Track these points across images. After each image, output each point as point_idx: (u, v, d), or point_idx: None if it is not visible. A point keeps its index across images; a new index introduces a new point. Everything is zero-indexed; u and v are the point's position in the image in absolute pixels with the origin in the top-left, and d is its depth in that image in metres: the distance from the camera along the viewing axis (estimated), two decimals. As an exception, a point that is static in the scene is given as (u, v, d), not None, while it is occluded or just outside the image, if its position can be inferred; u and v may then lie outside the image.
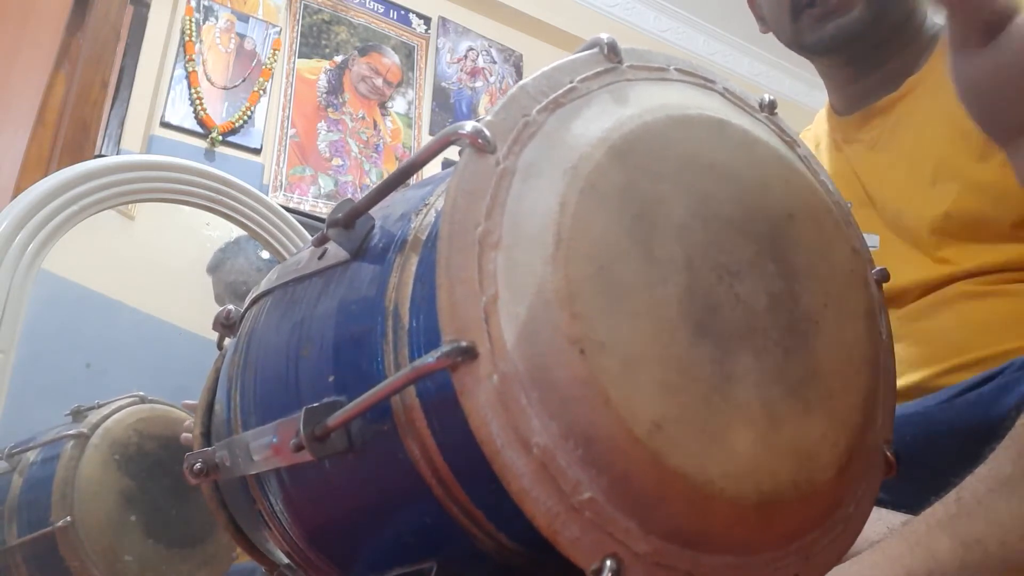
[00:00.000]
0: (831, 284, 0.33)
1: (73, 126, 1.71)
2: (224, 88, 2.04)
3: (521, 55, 2.60)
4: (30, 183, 0.85)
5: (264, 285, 0.42)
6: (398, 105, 2.32)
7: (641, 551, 0.26)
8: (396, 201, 0.36)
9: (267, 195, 1.28)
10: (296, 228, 1.02)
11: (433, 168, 1.64)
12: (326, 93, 2.20)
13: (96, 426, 0.85)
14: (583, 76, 0.32)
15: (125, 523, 0.83)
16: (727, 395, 0.28)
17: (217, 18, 2.09)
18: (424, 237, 0.32)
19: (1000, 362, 0.64)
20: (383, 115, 2.28)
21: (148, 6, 1.99)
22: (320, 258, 0.37)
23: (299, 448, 0.31)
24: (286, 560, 0.40)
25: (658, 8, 2.88)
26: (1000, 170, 0.72)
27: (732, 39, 3.01)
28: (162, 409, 0.90)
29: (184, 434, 0.76)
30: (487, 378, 0.25)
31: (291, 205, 2.00)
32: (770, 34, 0.94)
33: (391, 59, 2.34)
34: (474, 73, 2.50)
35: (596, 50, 0.33)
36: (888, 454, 0.35)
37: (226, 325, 0.46)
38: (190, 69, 2.00)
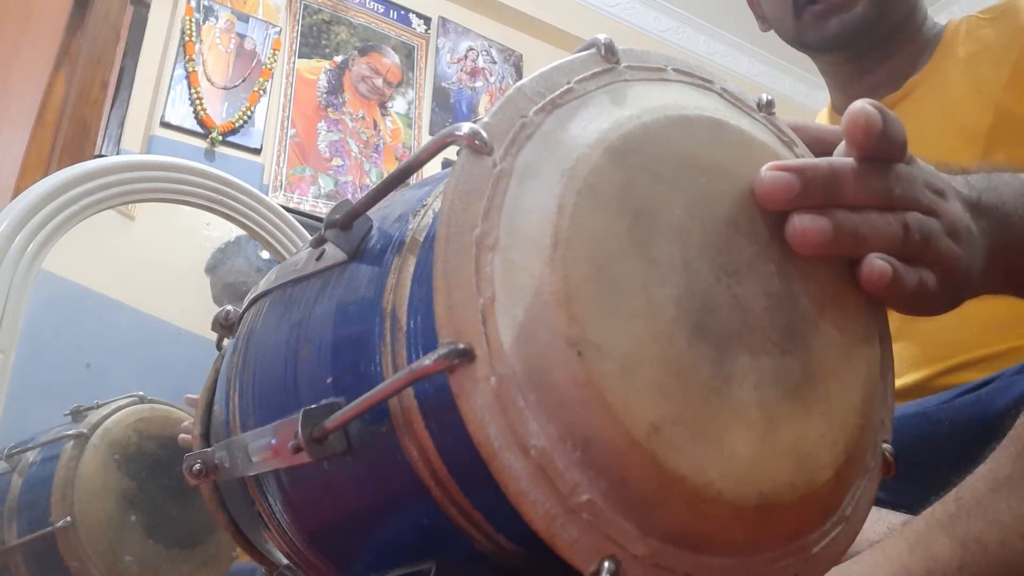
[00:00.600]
0: (829, 285, 0.33)
1: (73, 126, 1.71)
2: (224, 88, 2.04)
3: (521, 55, 2.60)
4: (30, 183, 0.85)
5: (263, 286, 0.42)
6: (398, 105, 2.31)
7: (639, 553, 0.26)
8: (394, 202, 0.36)
9: (267, 195, 1.28)
10: (296, 228, 1.02)
11: (433, 167, 1.65)
12: (326, 93, 2.20)
13: (96, 426, 0.85)
14: (580, 77, 0.31)
15: (125, 523, 0.83)
16: (725, 396, 0.28)
17: (217, 18, 2.09)
18: (422, 239, 0.32)
19: (1000, 361, 0.64)
20: (383, 115, 2.28)
21: (148, 6, 1.99)
22: (318, 259, 0.37)
23: (298, 450, 0.31)
24: (285, 561, 0.40)
25: (658, 8, 2.87)
26: (1000, 169, 0.72)
27: (732, 39, 3.01)
28: (162, 409, 0.90)
29: (182, 435, 0.77)
30: (485, 380, 0.25)
31: (291, 205, 2.00)
32: (770, 34, 0.94)
33: (391, 59, 2.34)
34: (474, 73, 2.50)
35: (593, 51, 0.33)
36: (888, 454, 0.35)
37: (225, 326, 0.46)
38: (190, 69, 2.00)
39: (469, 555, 0.31)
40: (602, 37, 0.33)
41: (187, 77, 1.99)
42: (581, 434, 0.26)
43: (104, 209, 0.87)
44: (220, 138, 1.98)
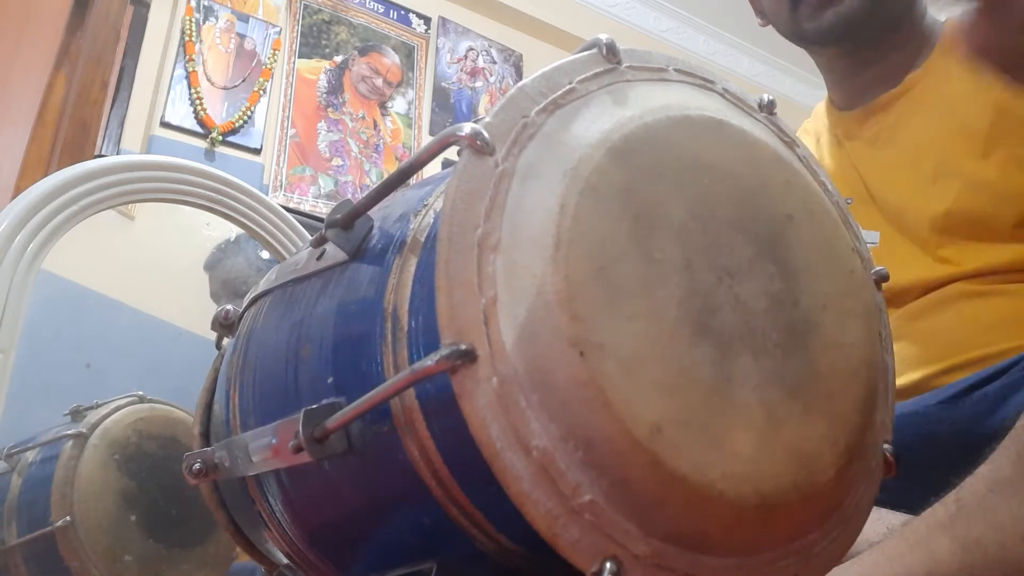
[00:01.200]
0: (830, 285, 0.33)
1: (73, 126, 1.71)
2: (224, 88, 2.04)
3: (521, 55, 2.60)
4: (30, 183, 0.85)
5: (263, 285, 0.42)
6: (398, 105, 2.31)
7: (641, 553, 0.26)
8: (395, 202, 0.36)
9: (267, 195, 1.28)
10: (296, 228, 1.02)
11: (433, 168, 1.64)
12: (326, 93, 2.20)
13: (95, 426, 0.84)
14: (582, 77, 0.31)
15: (125, 523, 0.83)
16: (727, 397, 0.28)
17: (217, 18, 2.09)
18: (423, 239, 0.32)
19: (999, 361, 0.64)
20: (383, 115, 2.28)
21: (148, 6, 1.99)
22: (319, 259, 0.37)
23: (298, 450, 0.31)
24: (285, 560, 0.40)
25: (658, 8, 2.87)
26: (1001, 168, 0.72)
27: (732, 39, 3.01)
28: (162, 409, 0.90)
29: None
30: (486, 380, 0.25)
31: (291, 205, 2.00)
32: (770, 34, 0.94)
33: (391, 59, 2.34)
34: (474, 73, 2.50)
35: (595, 51, 0.33)
36: (888, 454, 0.35)
37: (224, 325, 0.46)
38: (190, 69, 2.00)
39: (470, 555, 0.31)
40: (604, 37, 0.33)
41: (187, 77, 1.99)
42: (583, 434, 0.26)
43: (104, 209, 0.87)
44: (220, 138, 1.97)
